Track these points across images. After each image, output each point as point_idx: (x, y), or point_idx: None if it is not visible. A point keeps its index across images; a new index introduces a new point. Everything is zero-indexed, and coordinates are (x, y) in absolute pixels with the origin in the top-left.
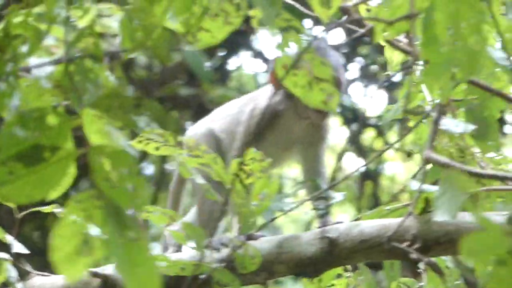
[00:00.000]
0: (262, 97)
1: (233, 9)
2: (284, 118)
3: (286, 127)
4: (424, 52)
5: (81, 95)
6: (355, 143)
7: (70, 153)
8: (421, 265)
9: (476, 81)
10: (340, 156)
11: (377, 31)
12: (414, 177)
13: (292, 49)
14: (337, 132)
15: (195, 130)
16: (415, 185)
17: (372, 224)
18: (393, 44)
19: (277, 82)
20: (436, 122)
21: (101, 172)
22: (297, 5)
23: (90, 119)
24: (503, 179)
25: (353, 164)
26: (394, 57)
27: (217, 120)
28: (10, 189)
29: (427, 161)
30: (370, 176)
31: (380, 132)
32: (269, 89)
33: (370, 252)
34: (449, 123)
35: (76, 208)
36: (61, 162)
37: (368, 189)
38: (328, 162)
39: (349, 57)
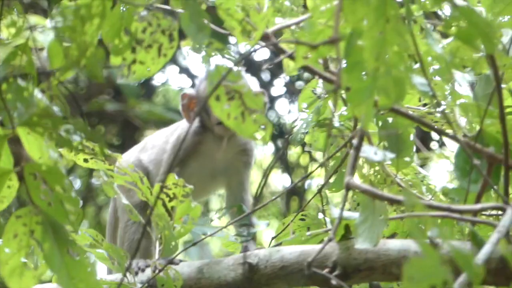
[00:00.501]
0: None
1: (166, 40)
2: (204, 145)
3: (208, 154)
4: (347, 79)
5: (12, 113)
6: (281, 159)
7: (4, 172)
8: None
9: (395, 107)
10: (266, 172)
11: (298, 55)
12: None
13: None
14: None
15: (125, 159)
16: (335, 212)
17: (293, 250)
18: (312, 70)
19: (188, 115)
20: (357, 149)
21: (36, 190)
22: (221, 30)
23: (27, 136)
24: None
25: (279, 179)
26: (290, 62)
27: (145, 150)
28: None
29: (347, 187)
30: (297, 192)
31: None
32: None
33: (291, 278)
34: (368, 150)
35: (17, 223)
36: None
37: (295, 204)
38: (254, 178)
39: (274, 73)
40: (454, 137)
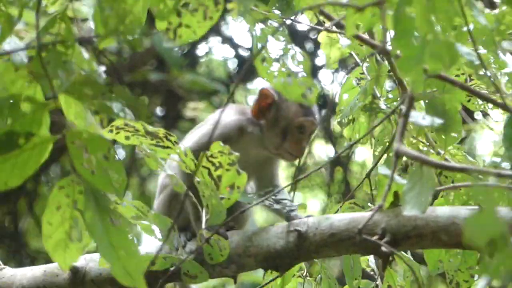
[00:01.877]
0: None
1: (212, 2)
2: (247, 139)
3: (245, 147)
4: (396, 46)
5: (53, 81)
6: (324, 129)
7: (45, 140)
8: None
9: (443, 75)
10: (310, 143)
11: (348, 24)
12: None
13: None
14: None
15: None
16: (384, 170)
17: (342, 218)
18: (362, 39)
19: (258, 113)
20: (406, 115)
21: (79, 158)
22: None
23: (67, 103)
24: (471, 171)
25: (323, 150)
26: (331, 53)
27: (190, 140)
28: None
29: (397, 154)
30: (340, 162)
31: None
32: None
33: (340, 246)
34: (416, 116)
35: (60, 194)
36: (35, 148)
37: (338, 175)
38: None
39: (318, 44)
40: (504, 106)
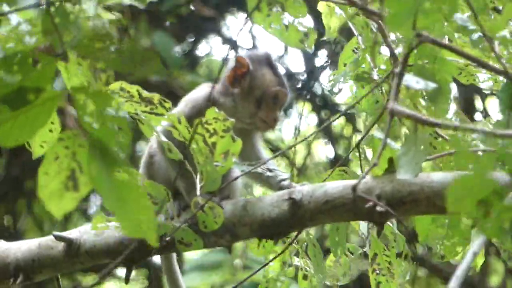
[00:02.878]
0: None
1: None
2: (219, 110)
3: None
4: (387, 2)
5: (62, 37)
6: (325, 130)
7: (54, 95)
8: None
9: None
10: (309, 143)
11: None
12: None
13: None
14: (306, 118)
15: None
16: (379, 134)
17: (336, 185)
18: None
19: (233, 81)
20: (400, 75)
21: (83, 112)
22: None
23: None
24: (466, 130)
25: (323, 150)
26: (331, 23)
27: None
28: None
29: (391, 113)
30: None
31: (350, 119)
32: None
33: (335, 213)
34: (410, 79)
35: (59, 146)
36: (45, 103)
37: None
38: (299, 149)
39: (318, 44)
40: (497, 70)
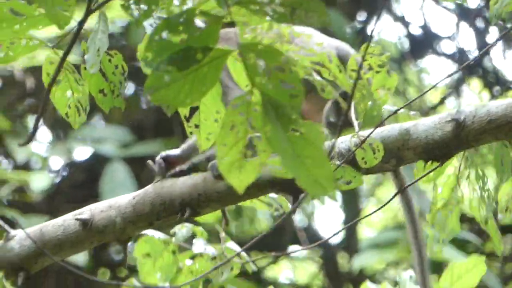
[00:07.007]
0: None
1: None
2: None
3: None
4: None
5: None
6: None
7: (223, 52)
8: None
9: None
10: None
11: None
12: None
13: None
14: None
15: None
16: None
17: (499, 104)
18: None
19: None
20: None
21: (254, 71)
22: None
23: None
24: None
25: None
26: None
27: None
28: (165, 93)
29: None
30: None
31: None
32: None
33: (499, 132)
34: None
35: (234, 113)
36: (214, 62)
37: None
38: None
39: (488, 21)
40: None
